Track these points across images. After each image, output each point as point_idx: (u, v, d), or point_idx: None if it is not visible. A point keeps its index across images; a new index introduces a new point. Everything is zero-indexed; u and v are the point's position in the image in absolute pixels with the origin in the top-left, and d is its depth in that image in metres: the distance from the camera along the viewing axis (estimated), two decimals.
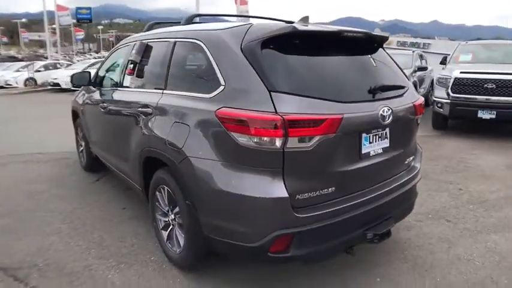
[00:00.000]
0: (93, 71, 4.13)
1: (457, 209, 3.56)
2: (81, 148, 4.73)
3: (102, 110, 3.44)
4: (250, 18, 3.14)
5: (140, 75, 2.87)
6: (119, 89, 3.24)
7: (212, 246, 2.16)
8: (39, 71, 17.50)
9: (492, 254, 2.75)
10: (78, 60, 24.15)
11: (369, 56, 2.37)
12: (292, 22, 2.42)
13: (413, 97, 2.49)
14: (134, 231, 3.07)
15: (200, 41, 2.24)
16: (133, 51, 2.89)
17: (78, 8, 27.63)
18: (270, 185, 1.84)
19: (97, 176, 4.46)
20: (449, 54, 8.09)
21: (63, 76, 14.42)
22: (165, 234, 2.63)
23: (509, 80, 5.89)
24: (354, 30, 2.21)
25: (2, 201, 3.74)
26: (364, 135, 2.09)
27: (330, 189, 1.97)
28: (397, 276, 2.47)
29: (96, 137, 3.93)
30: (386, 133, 2.23)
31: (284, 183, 1.84)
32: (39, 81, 17.18)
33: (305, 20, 2.39)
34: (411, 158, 2.60)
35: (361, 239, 2.16)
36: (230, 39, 2.07)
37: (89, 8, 28.74)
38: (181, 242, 2.41)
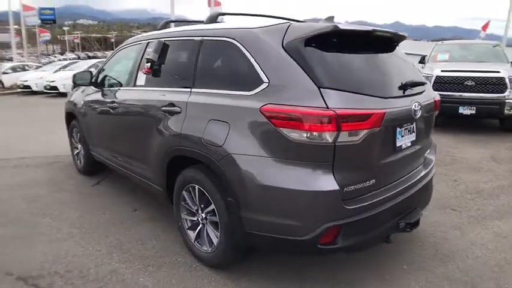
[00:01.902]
0: (69, 73, 4.00)
1: (457, 198, 3.77)
2: (77, 151, 4.55)
3: (111, 110, 3.34)
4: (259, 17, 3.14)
5: (160, 73, 2.81)
6: (131, 88, 3.15)
7: (254, 242, 2.17)
8: (6, 73, 16.52)
9: (500, 238, 2.94)
10: (44, 63, 23.03)
11: (392, 53, 2.47)
12: (298, 21, 2.50)
13: (432, 93, 2.63)
14: (152, 233, 3.00)
15: (234, 39, 2.24)
16: (150, 50, 2.83)
17: (41, 9, 26.41)
18: (321, 179, 1.88)
19: (96, 179, 4.31)
20: (413, 54, 8.49)
21: (61, 79, 13.67)
22: (192, 233, 2.61)
23: (487, 78, 6.28)
24: (382, 29, 2.30)
25: (2, 207, 3.53)
26: (398, 129, 2.18)
27: (371, 181, 2.04)
28: (422, 262, 2.59)
29: (100, 138, 3.80)
30: (414, 127, 2.34)
31: (334, 177, 1.89)
32: (7, 84, 16.21)
33: (330, 19, 2.45)
34: (429, 150, 2.73)
35: (396, 229, 2.25)
36: (270, 37, 2.09)
37: (53, 9, 27.56)
38: (215, 241, 2.40)
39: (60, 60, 32.32)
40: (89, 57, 42.92)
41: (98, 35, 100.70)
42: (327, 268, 2.49)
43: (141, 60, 3.11)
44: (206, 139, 2.21)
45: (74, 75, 3.83)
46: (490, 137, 6.42)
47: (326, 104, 1.83)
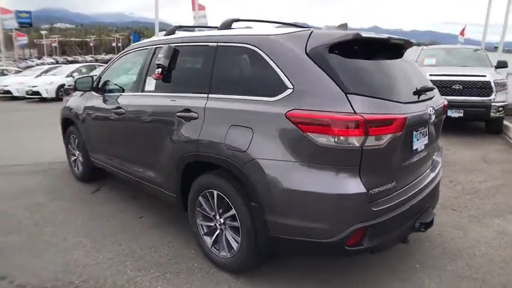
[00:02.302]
0: (51, 78, 3.92)
1: (456, 199, 3.90)
2: (74, 158, 4.45)
3: (117, 116, 3.29)
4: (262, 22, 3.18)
5: (172, 79, 2.80)
6: (139, 94, 3.12)
7: (278, 246, 2.19)
8: None
9: (503, 235, 3.07)
10: (22, 68, 22.31)
11: (402, 59, 2.56)
12: (304, 26, 2.58)
13: (440, 98, 2.73)
14: (163, 240, 2.97)
15: (254, 45, 2.26)
16: (161, 55, 2.81)
17: (17, 12, 25.66)
18: (349, 182, 1.92)
19: (95, 186, 4.22)
20: None
21: (43, 83, 13.29)
22: (208, 239, 2.60)
23: (474, 81, 6.54)
24: (396, 37, 2.38)
25: (3, 217, 3.41)
26: (414, 132, 2.26)
27: (392, 183, 2.11)
28: (433, 261, 2.67)
29: (102, 144, 3.73)
30: (427, 131, 2.43)
31: (361, 180, 1.94)
32: None
33: (344, 26, 2.51)
34: (437, 153, 2.83)
35: (412, 229, 2.32)
36: (292, 44, 2.12)
37: (29, 12, 26.86)
38: (235, 246, 2.40)
39: (38, 64, 31.41)
40: (69, 62, 41.86)
41: (77, 39, 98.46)
42: (343, 269, 2.54)
43: (149, 66, 3.08)
44: (228, 144, 2.22)
45: (76, 81, 3.76)
46: (477, 139, 6.66)
47: (354, 109, 1.88)
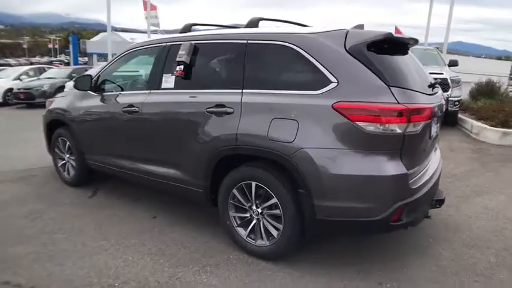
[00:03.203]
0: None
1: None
2: (63, 162, 4.21)
3: (128, 114, 3.21)
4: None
5: (195, 76, 2.83)
6: (155, 91, 3.07)
7: (324, 228, 2.35)
8: None
9: (488, 210, 3.53)
10: None
11: (410, 56, 2.86)
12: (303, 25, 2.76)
13: (442, 91, 3.10)
14: (187, 237, 2.96)
15: (292, 43, 2.38)
16: (183, 52, 2.82)
17: None
18: (392, 164, 2.15)
19: (90, 190, 4.03)
20: None
21: None
22: (242, 230, 2.67)
23: (435, 79, 7.23)
24: (414, 38, 2.67)
25: (3, 228, 3.15)
26: (432, 121, 2.55)
27: (419, 165, 2.38)
28: (441, 235, 3.01)
29: (106, 145, 3.59)
30: (437, 119, 2.75)
31: (402, 162, 2.17)
32: None
33: (360, 27, 2.73)
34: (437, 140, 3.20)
35: (431, 206, 2.61)
36: (331, 42, 2.29)
37: None
38: (275, 233, 2.51)
39: None
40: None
41: (8, 41, 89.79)
42: (374, 249, 2.76)
43: (164, 63, 3.06)
44: (272, 136, 2.33)
45: (76, 80, 3.58)
46: (442, 132, 7.38)
47: (397, 100, 2.10)
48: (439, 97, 2.70)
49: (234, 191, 2.64)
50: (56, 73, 13.41)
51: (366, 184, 2.16)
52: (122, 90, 3.46)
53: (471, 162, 5.20)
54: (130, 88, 3.55)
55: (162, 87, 3.05)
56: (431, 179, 2.58)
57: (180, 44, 2.95)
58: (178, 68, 2.85)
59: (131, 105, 3.19)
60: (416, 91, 2.29)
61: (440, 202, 2.68)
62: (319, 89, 2.25)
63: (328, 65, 2.25)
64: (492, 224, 3.22)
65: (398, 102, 2.10)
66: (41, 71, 14.08)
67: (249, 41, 2.60)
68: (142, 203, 3.69)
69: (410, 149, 2.23)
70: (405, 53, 2.73)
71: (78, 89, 3.59)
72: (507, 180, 4.51)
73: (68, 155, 4.12)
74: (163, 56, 3.09)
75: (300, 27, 2.98)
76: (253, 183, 2.52)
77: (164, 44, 3.15)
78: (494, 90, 9.16)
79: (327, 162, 2.19)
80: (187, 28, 3.17)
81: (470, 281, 2.40)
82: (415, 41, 2.81)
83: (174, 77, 2.96)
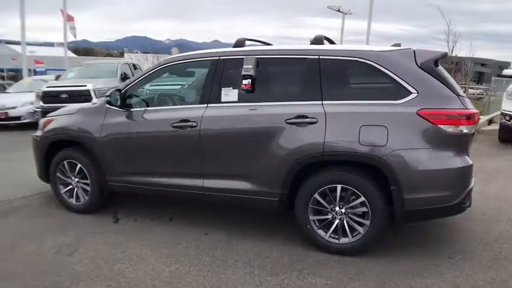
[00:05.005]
0: None
1: None
2: (69, 187, 3.75)
3: (180, 130, 3.11)
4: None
5: (264, 89, 2.95)
6: (216, 105, 3.04)
7: (411, 218, 2.73)
8: None
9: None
10: None
11: None
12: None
13: None
14: (260, 247, 3.00)
15: (368, 59, 2.71)
16: (249, 66, 2.90)
17: None
18: (463, 158, 2.67)
19: (106, 215, 3.68)
20: None
21: None
22: (322, 232, 2.88)
23: None
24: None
25: (44, 267, 2.73)
26: None
27: None
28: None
29: (145, 163, 3.34)
30: None
31: (468, 155, 2.69)
32: None
33: (398, 45, 3.20)
34: None
35: None
36: (404, 59, 2.69)
37: None
38: (360, 229, 2.78)
39: None
40: None
41: None
42: (441, 241, 3.16)
43: (221, 77, 3.08)
44: (365, 141, 2.61)
45: (110, 95, 3.26)
46: None
47: (465, 106, 2.62)
48: None
49: (316, 195, 2.83)
50: None
51: (446, 176, 2.62)
52: (168, 104, 3.31)
53: None
54: (171, 103, 3.42)
55: (222, 100, 3.06)
56: None
57: (238, 58, 3.03)
58: (245, 81, 2.92)
59: (185, 120, 3.10)
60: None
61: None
62: (401, 99, 2.63)
63: (407, 79, 2.65)
64: (485, 204, 4.03)
65: (466, 108, 2.62)
66: None
67: (321, 57, 2.85)
68: (181, 222, 3.54)
69: (469, 145, 2.77)
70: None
71: (112, 105, 3.30)
72: None
73: (77, 179, 3.69)
74: (219, 69, 3.10)
75: (360, 45, 3.33)
76: (339, 186, 2.76)
77: (217, 57, 3.16)
78: None
79: (415, 161, 2.58)
80: (242, 43, 3.23)
81: None
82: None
83: (236, 90, 3.01)
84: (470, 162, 2.70)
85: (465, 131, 2.63)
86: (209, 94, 3.12)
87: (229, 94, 3.04)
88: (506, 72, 7.77)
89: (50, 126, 3.74)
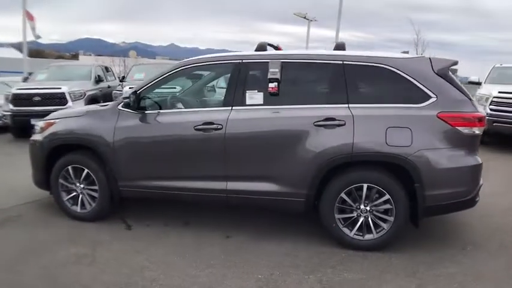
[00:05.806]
0: None
1: None
2: (73, 194, 3.54)
3: (204, 133, 3.08)
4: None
5: (290, 92, 3.03)
6: (240, 108, 3.06)
7: (431, 212, 2.93)
8: None
9: None
10: None
11: None
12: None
13: None
14: (286, 247, 3.05)
15: (390, 66, 2.90)
16: (275, 70, 2.97)
17: None
18: (475, 157, 2.93)
19: (115, 221, 3.53)
20: None
21: None
22: (347, 230, 3.00)
23: None
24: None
25: (66, 279, 2.57)
26: None
27: None
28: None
29: (163, 167, 3.25)
30: None
31: (477, 155, 2.97)
32: None
33: (406, 52, 3.48)
34: None
35: None
36: (422, 66, 2.91)
37: None
38: (384, 225, 2.94)
39: None
40: None
41: None
42: (449, 234, 3.40)
43: (245, 80, 3.12)
44: (392, 142, 2.79)
45: (130, 97, 3.13)
46: None
47: (476, 109, 2.89)
48: None
49: (342, 194, 2.95)
50: None
51: (462, 173, 2.87)
52: (190, 106, 3.26)
53: None
54: (191, 105, 3.37)
55: (247, 103, 3.09)
56: None
57: (263, 62, 3.09)
58: (272, 85, 2.99)
59: (210, 123, 3.08)
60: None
61: None
62: (422, 103, 2.85)
63: (426, 84, 2.87)
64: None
65: (478, 111, 2.90)
66: None
67: (345, 62, 3.00)
68: (197, 226, 3.49)
69: (478, 146, 3.06)
70: None
71: (131, 108, 3.19)
72: None
73: (82, 186, 3.50)
74: (242, 72, 3.14)
75: (380, 52, 3.52)
76: (365, 185, 2.91)
77: (238, 61, 3.19)
78: None
79: (436, 159, 2.80)
80: (264, 47, 3.28)
81: None
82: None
83: (261, 93, 3.07)
84: (481, 161, 2.98)
85: (477, 132, 2.91)
86: (233, 97, 3.13)
87: (254, 97, 3.09)
88: (471, 79, 8.66)
89: (51, 130, 3.52)
